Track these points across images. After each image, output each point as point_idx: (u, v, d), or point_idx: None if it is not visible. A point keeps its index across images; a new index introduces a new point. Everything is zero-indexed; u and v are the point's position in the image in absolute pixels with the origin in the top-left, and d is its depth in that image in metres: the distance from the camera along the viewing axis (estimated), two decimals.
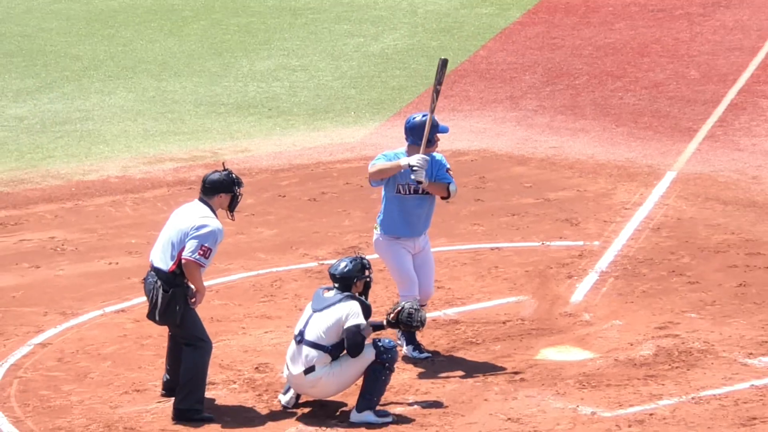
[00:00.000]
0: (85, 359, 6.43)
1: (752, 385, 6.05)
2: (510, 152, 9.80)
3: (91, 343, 6.62)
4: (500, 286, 7.24)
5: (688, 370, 6.20)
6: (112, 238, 8.14)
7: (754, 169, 9.36)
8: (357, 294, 5.88)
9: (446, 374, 6.21)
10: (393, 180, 6.31)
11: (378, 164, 6.16)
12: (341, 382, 5.82)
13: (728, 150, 9.79)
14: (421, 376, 6.20)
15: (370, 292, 5.98)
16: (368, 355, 5.77)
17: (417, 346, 6.42)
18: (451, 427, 5.73)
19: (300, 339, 5.84)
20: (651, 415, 5.79)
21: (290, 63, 12.23)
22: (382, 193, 6.39)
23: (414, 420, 5.79)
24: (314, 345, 5.79)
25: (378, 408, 5.81)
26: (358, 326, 5.72)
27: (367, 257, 6.01)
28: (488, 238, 8.00)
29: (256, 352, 6.48)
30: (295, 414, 5.87)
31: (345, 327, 5.71)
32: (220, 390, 6.08)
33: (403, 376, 6.17)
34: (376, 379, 5.76)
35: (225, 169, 5.91)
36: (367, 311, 5.86)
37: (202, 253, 5.70)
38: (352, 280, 5.87)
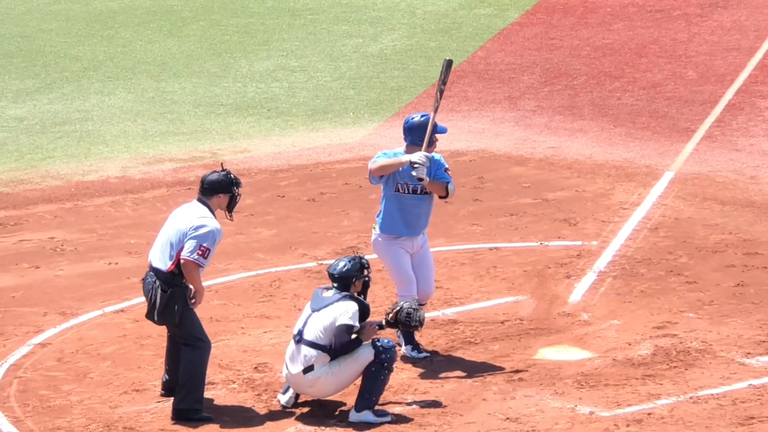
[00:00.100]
0: (84, 359, 6.44)
1: (750, 384, 6.07)
2: (508, 152, 9.82)
3: (90, 343, 6.64)
4: (499, 286, 7.26)
5: (686, 369, 6.22)
6: (112, 238, 8.16)
7: (752, 169, 9.38)
8: (356, 294, 5.90)
9: (445, 374, 6.22)
10: (392, 179, 6.33)
11: (380, 160, 6.17)
12: (340, 381, 5.83)
13: (726, 150, 9.81)
14: (419, 375, 6.21)
15: (369, 292, 5.98)
16: (367, 355, 5.79)
17: (416, 346, 6.44)
18: (450, 427, 5.74)
19: (299, 338, 5.85)
20: (649, 414, 5.81)
21: (289, 64, 12.24)
22: (382, 192, 6.40)
23: (413, 420, 5.81)
24: (313, 344, 5.80)
25: (377, 408, 5.82)
26: (348, 327, 5.72)
27: (366, 257, 6.02)
28: (487, 238, 8.02)
29: (255, 352, 6.49)
30: (294, 414, 5.88)
31: (336, 325, 5.70)
32: (219, 390, 6.09)
33: (402, 376, 6.19)
34: (374, 378, 5.77)
35: (223, 170, 5.93)
36: (365, 311, 5.87)
37: (200, 253, 5.72)
38: (351, 280, 5.88)
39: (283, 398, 5.98)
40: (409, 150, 6.33)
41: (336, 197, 8.92)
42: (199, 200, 5.89)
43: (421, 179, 6.13)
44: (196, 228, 5.76)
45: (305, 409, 5.91)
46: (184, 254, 5.73)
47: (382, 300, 6.93)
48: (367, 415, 5.80)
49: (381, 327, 5.96)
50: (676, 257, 7.64)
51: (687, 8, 13.67)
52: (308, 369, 5.80)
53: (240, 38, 13.14)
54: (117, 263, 7.70)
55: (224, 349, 6.49)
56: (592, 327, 6.72)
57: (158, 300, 5.76)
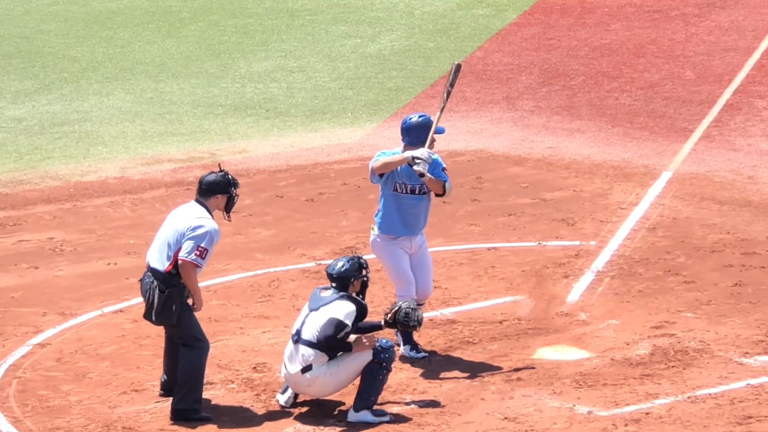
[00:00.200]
0: (83, 359, 6.45)
1: (748, 384, 6.08)
2: (506, 152, 9.83)
3: (89, 343, 6.64)
4: (497, 285, 7.26)
5: (684, 369, 6.23)
6: (111, 238, 8.16)
7: (750, 169, 9.39)
8: (354, 294, 5.91)
9: (443, 374, 6.23)
10: (391, 178, 6.34)
11: (382, 158, 6.19)
12: (338, 381, 5.84)
13: (724, 150, 9.82)
14: (418, 375, 6.23)
15: (368, 292, 6.00)
16: (365, 355, 5.80)
17: (414, 346, 6.45)
18: (449, 427, 5.75)
19: (297, 338, 5.86)
20: (647, 414, 5.82)
21: (288, 64, 12.24)
22: (380, 192, 6.41)
23: (411, 419, 5.82)
24: (311, 344, 5.81)
25: (375, 407, 5.83)
26: (338, 322, 5.70)
27: (365, 257, 6.03)
28: (485, 238, 8.02)
29: (254, 352, 6.50)
30: (292, 413, 5.88)
31: (328, 317, 5.69)
32: (218, 390, 6.10)
33: (401, 376, 6.20)
34: (373, 378, 5.78)
35: (221, 171, 5.94)
36: (363, 311, 5.88)
37: (198, 253, 5.74)
38: (350, 280, 5.89)
39: (282, 398, 5.99)
40: (406, 150, 6.34)
41: (334, 197, 8.93)
42: (197, 201, 5.91)
43: (422, 174, 6.14)
44: (194, 229, 5.78)
45: (304, 409, 5.91)
46: (182, 255, 5.75)
47: (380, 300, 6.94)
48: (365, 415, 5.81)
49: (379, 327, 5.97)
50: (674, 257, 7.65)
51: (685, 8, 13.68)
52: (306, 368, 5.81)
53: (238, 39, 13.14)
54: (116, 263, 7.71)
55: (223, 349, 6.50)
56: (590, 327, 6.73)
57: (156, 300, 5.77)
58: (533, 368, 6.26)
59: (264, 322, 6.87)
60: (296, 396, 5.98)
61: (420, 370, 6.29)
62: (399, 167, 6.28)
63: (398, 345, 6.41)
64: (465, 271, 7.49)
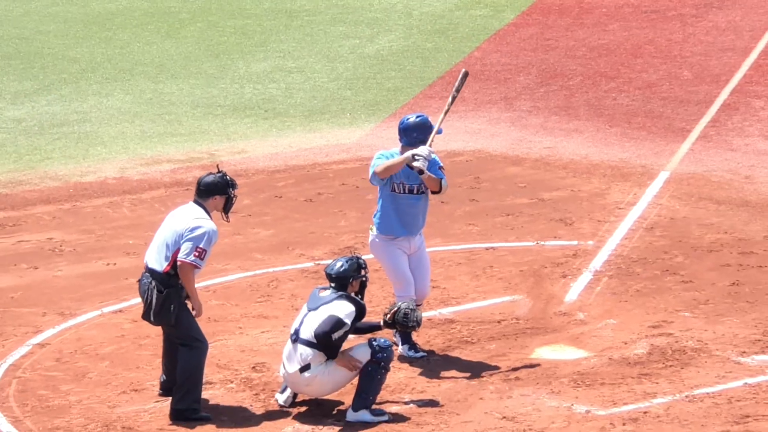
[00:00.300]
0: (83, 359, 6.46)
1: (745, 383, 6.09)
2: (504, 153, 9.85)
3: (89, 343, 6.66)
4: (495, 285, 7.28)
5: (682, 368, 6.24)
6: (110, 239, 8.17)
7: (747, 169, 9.41)
8: (353, 294, 5.92)
9: (442, 373, 6.25)
10: (389, 179, 6.36)
11: (384, 162, 6.23)
12: (337, 380, 5.85)
13: (721, 150, 9.84)
14: (416, 375, 6.24)
15: (366, 292, 6.01)
16: (364, 355, 5.81)
17: (412, 346, 6.46)
18: (447, 426, 5.76)
19: (295, 337, 5.88)
20: (645, 413, 5.83)
21: (286, 65, 12.26)
22: (378, 193, 6.43)
23: (410, 419, 5.83)
24: (309, 343, 5.83)
25: (374, 407, 5.84)
26: (338, 320, 5.72)
27: (363, 257, 6.04)
28: (483, 238, 8.04)
29: (253, 352, 6.51)
30: (291, 413, 5.89)
31: (329, 314, 5.70)
32: (217, 389, 6.11)
33: (399, 375, 6.21)
34: (371, 378, 5.80)
35: (219, 172, 5.95)
36: (361, 311, 5.90)
37: (197, 254, 5.76)
38: (348, 280, 5.91)
39: (281, 397, 6.00)
40: (404, 150, 6.37)
41: (333, 198, 8.94)
42: (195, 202, 5.92)
43: (421, 171, 6.17)
44: (192, 230, 5.80)
45: (303, 409, 5.92)
46: (181, 256, 5.76)
47: (379, 300, 6.96)
48: (364, 414, 5.82)
49: (378, 328, 5.98)
50: (671, 257, 7.67)
51: (682, 9, 13.71)
52: (305, 368, 5.82)
53: (237, 40, 13.15)
54: (115, 264, 7.72)
55: (222, 349, 6.51)
56: (588, 326, 6.75)
57: (154, 301, 5.79)
58: (531, 368, 6.28)
59: (263, 322, 6.88)
60: (295, 395, 5.99)
61: (418, 370, 6.30)
62: None
63: (396, 345, 6.42)
64: (463, 271, 7.50)
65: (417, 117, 6.39)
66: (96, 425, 5.80)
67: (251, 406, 5.97)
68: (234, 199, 5.95)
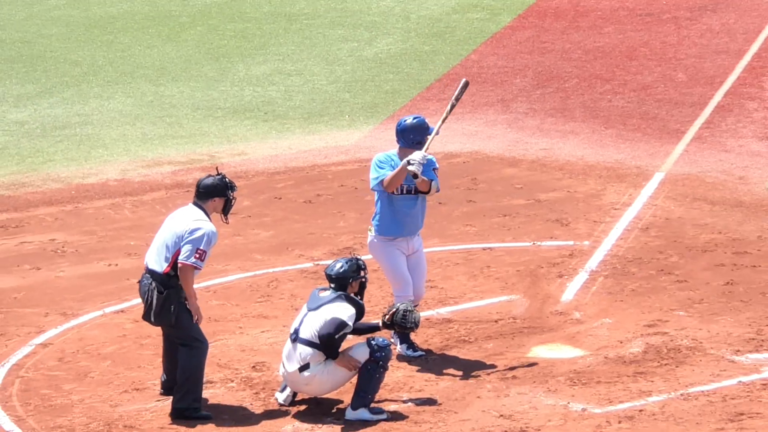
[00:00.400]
0: (85, 359, 6.51)
1: (740, 381, 6.13)
2: (501, 154, 9.91)
3: (91, 343, 6.71)
4: (492, 285, 7.34)
5: (677, 367, 6.29)
6: (112, 240, 8.23)
7: (741, 170, 9.47)
8: (352, 294, 5.98)
9: (440, 372, 6.30)
10: None
11: (388, 176, 6.32)
12: (336, 379, 5.91)
13: (715, 151, 9.90)
14: (415, 373, 6.29)
15: (365, 292, 6.06)
16: (362, 354, 5.87)
17: (411, 345, 6.52)
18: (445, 424, 5.81)
19: (295, 337, 5.93)
20: (640, 411, 5.88)
21: (286, 67, 12.32)
22: (376, 195, 6.49)
23: (408, 417, 5.88)
24: (309, 343, 5.88)
25: (373, 405, 5.89)
26: (341, 322, 5.78)
27: (362, 258, 6.10)
28: (480, 238, 8.10)
29: (253, 351, 6.56)
30: (291, 411, 5.94)
31: (331, 316, 5.78)
32: (218, 388, 6.16)
33: (398, 374, 6.26)
34: (370, 377, 5.85)
35: (219, 174, 6.01)
36: (361, 312, 5.95)
37: (198, 256, 5.81)
38: (348, 281, 5.97)
39: (281, 396, 6.06)
40: (402, 152, 6.45)
41: (332, 199, 8.99)
42: (195, 204, 5.97)
43: (416, 176, 6.26)
44: (192, 232, 5.85)
45: (302, 407, 5.98)
46: (181, 258, 5.82)
47: (377, 300, 7.01)
48: (363, 413, 5.88)
49: (377, 328, 6.03)
50: (666, 256, 7.72)
51: (677, 12, 13.76)
52: (304, 367, 5.88)
53: (237, 43, 13.21)
54: (117, 264, 7.77)
55: (223, 349, 6.56)
56: (584, 325, 6.80)
57: (155, 301, 5.85)
58: (528, 366, 6.33)
59: (263, 322, 6.93)
60: (295, 394, 6.04)
61: (416, 369, 6.35)
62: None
63: (395, 344, 6.47)
64: (461, 271, 7.56)
65: (414, 119, 6.47)
66: (98, 424, 5.85)
67: (251, 404, 6.02)
68: (233, 201, 6.00)
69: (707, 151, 9.91)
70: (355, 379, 5.91)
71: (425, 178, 6.31)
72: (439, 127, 6.35)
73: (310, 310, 5.99)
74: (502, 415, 5.86)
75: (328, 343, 5.80)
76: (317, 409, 5.97)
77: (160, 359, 6.16)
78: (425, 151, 6.31)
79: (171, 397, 5.98)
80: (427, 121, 6.48)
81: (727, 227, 8.24)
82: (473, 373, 6.27)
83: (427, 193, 6.37)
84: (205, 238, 5.84)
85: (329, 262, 6.29)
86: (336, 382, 5.94)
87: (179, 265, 5.83)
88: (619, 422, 5.79)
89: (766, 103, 10.99)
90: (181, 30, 13.71)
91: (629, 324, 6.79)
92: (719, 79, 11.56)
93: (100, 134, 10.52)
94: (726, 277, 7.39)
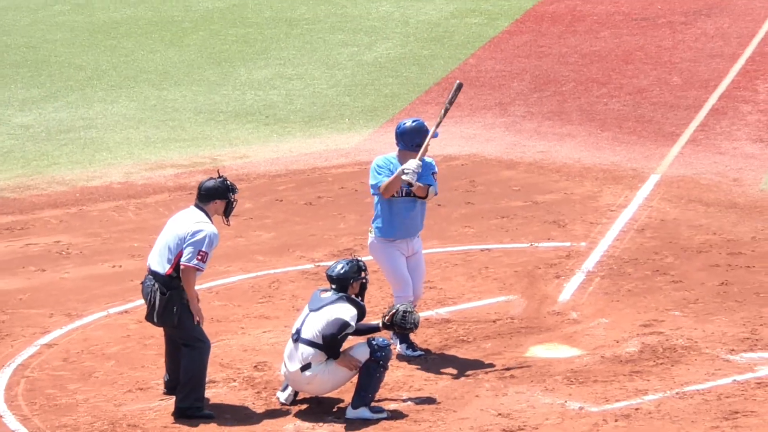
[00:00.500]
0: (89, 359, 6.57)
1: (734, 380, 6.16)
2: (499, 157, 9.97)
3: (95, 343, 6.77)
4: (490, 286, 7.40)
5: (673, 366, 6.34)
6: (116, 242, 8.29)
7: (735, 172, 9.53)
8: (353, 295, 6.04)
9: (439, 371, 6.35)
10: None
11: (384, 182, 6.39)
12: (336, 379, 5.97)
13: (710, 153, 9.95)
14: (414, 373, 6.35)
15: (365, 293, 6.13)
16: (363, 354, 5.94)
17: (410, 345, 6.58)
18: (444, 423, 5.86)
19: (297, 337, 6.00)
20: (637, 409, 5.93)
21: (286, 72, 12.38)
22: (375, 198, 6.55)
23: (408, 416, 5.94)
24: (310, 343, 5.95)
25: (373, 404, 5.95)
26: (344, 323, 5.85)
27: (363, 259, 6.16)
28: (478, 239, 8.15)
29: (255, 351, 6.62)
30: (292, 411, 6.01)
31: (334, 317, 5.84)
32: (220, 388, 6.22)
33: (397, 374, 6.32)
34: (370, 376, 5.91)
35: (220, 176, 6.06)
36: (361, 312, 6.02)
37: (200, 258, 5.87)
38: (349, 282, 6.03)
39: (282, 396, 6.12)
40: (401, 154, 6.53)
41: (332, 201, 9.05)
42: (197, 206, 6.02)
43: (410, 184, 6.35)
44: (194, 234, 5.91)
45: (303, 406, 6.03)
46: (184, 260, 5.87)
47: (377, 300, 7.08)
48: (363, 412, 5.94)
49: (377, 329, 6.10)
50: (662, 257, 7.78)
51: (672, 16, 13.83)
52: (306, 367, 5.94)
53: (239, 48, 13.27)
54: (121, 266, 7.83)
55: (225, 349, 6.62)
56: (581, 325, 6.85)
57: (157, 302, 5.90)
58: (526, 366, 6.38)
59: (264, 322, 6.99)
60: (296, 393, 6.10)
61: (416, 368, 6.41)
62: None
63: (394, 344, 6.53)
64: (459, 272, 7.61)
65: (413, 122, 6.54)
66: (102, 423, 5.91)
67: (253, 404, 6.08)
68: (234, 203, 6.05)
69: (702, 154, 9.97)
70: (355, 379, 5.97)
71: (420, 185, 6.38)
72: (435, 131, 6.41)
73: (311, 310, 6.05)
74: (500, 414, 5.91)
75: (331, 344, 5.87)
76: (318, 408, 6.03)
77: (163, 359, 6.22)
78: (423, 155, 6.37)
79: (174, 397, 6.03)
80: (426, 124, 6.56)
81: (722, 228, 8.30)
82: (472, 373, 6.33)
83: (425, 198, 6.45)
84: (206, 240, 5.91)
85: (330, 263, 6.33)
86: (337, 382, 6.01)
87: (182, 266, 5.89)
88: (616, 420, 5.84)
89: (759, 106, 11.04)
90: (183, 35, 13.78)
91: (625, 324, 6.85)
92: (714, 83, 11.61)
93: (104, 138, 10.57)
94: (720, 278, 7.45)
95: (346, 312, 5.95)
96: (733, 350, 6.52)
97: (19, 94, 11.77)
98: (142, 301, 6.14)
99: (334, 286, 6.06)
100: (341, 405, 6.04)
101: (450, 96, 6.47)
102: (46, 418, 5.98)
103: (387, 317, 6.15)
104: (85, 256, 8.05)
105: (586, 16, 14.00)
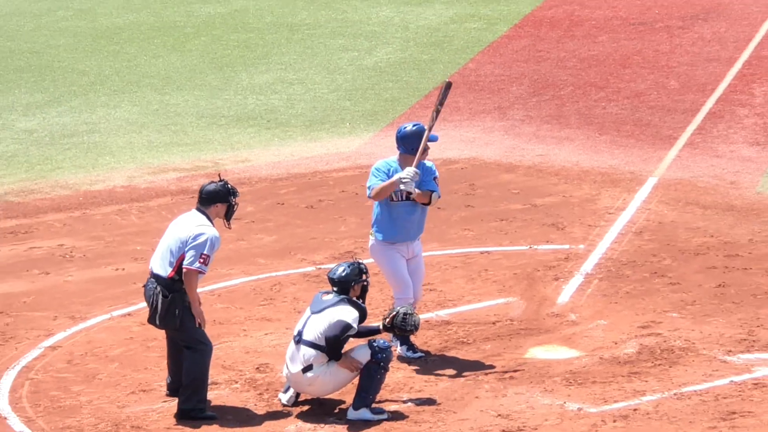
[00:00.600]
0: (93, 361, 6.63)
1: (731, 381, 6.20)
2: (498, 160, 10.03)
3: (99, 345, 6.83)
4: (490, 288, 7.45)
5: (670, 367, 6.39)
6: (119, 245, 8.35)
7: (732, 175, 9.58)
8: (355, 297, 6.09)
9: (439, 373, 6.41)
10: None
11: (377, 187, 6.44)
12: (338, 380, 6.03)
13: (707, 156, 10.00)
14: (414, 374, 6.40)
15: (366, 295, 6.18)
16: (364, 355, 6.00)
17: (411, 346, 6.63)
18: (444, 424, 5.92)
19: (298, 339, 6.05)
20: (635, 410, 5.98)
21: (288, 76, 12.44)
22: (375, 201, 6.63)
23: (408, 417, 5.99)
24: (312, 345, 6.00)
25: (374, 405, 6.00)
26: (346, 325, 5.90)
27: (364, 262, 6.22)
28: (478, 242, 8.21)
29: (256, 353, 6.68)
30: (294, 412, 6.06)
31: (336, 319, 5.89)
32: (222, 390, 6.27)
33: (398, 375, 6.37)
34: (371, 377, 5.97)
35: (221, 180, 6.12)
36: (363, 314, 6.07)
37: (202, 261, 5.92)
38: (350, 284, 6.09)
39: (284, 397, 6.17)
40: (402, 158, 6.58)
41: (333, 204, 9.11)
42: (198, 209, 6.07)
43: (409, 193, 6.41)
44: (195, 237, 5.96)
45: (305, 408, 6.09)
46: (186, 263, 5.92)
47: (378, 302, 7.13)
48: (364, 413, 5.99)
49: (378, 331, 6.15)
50: (659, 259, 7.83)
51: (669, 21, 13.89)
52: (307, 368, 5.99)
53: (240, 53, 13.34)
54: (124, 269, 7.89)
55: (227, 351, 6.68)
56: (579, 327, 6.91)
57: (160, 305, 5.95)
58: (525, 367, 6.43)
59: (266, 325, 7.04)
60: (298, 395, 6.15)
61: (416, 370, 6.46)
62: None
63: (395, 345, 6.57)
64: (459, 274, 7.66)
65: (413, 126, 6.60)
66: (106, 424, 5.96)
67: (255, 405, 6.13)
68: (235, 206, 6.10)
69: (699, 157, 10.02)
70: (356, 380, 6.02)
71: (419, 192, 6.42)
72: (428, 134, 6.40)
73: (313, 312, 6.10)
74: (499, 415, 5.96)
75: (333, 345, 5.92)
76: (320, 409, 6.08)
77: (166, 361, 6.27)
78: (418, 161, 6.39)
79: (177, 399, 6.08)
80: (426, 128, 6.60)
81: (719, 231, 8.35)
82: (471, 374, 6.38)
83: (428, 204, 6.47)
84: (208, 243, 5.95)
85: (331, 265, 6.41)
86: (338, 383, 6.06)
87: (184, 270, 5.94)
88: (614, 421, 5.89)
89: (756, 110, 11.09)
90: (185, 40, 13.83)
91: (623, 325, 6.90)
92: (711, 87, 11.66)
93: (107, 142, 10.62)
94: (718, 280, 7.50)
95: (348, 314, 6.01)
96: (730, 351, 6.56)
97: (23, 99, 11.82)
98: (144, 304, 6.19)
99: (335, 289, 6.11)
100: (342, 406, 6.09)
101: (440, 97, 6.47)
102: (50, 419, 6.03)
103: (387, 319, 6.20)
104: (88, 260, 8.10)
105: (584, 21, 14.05)
